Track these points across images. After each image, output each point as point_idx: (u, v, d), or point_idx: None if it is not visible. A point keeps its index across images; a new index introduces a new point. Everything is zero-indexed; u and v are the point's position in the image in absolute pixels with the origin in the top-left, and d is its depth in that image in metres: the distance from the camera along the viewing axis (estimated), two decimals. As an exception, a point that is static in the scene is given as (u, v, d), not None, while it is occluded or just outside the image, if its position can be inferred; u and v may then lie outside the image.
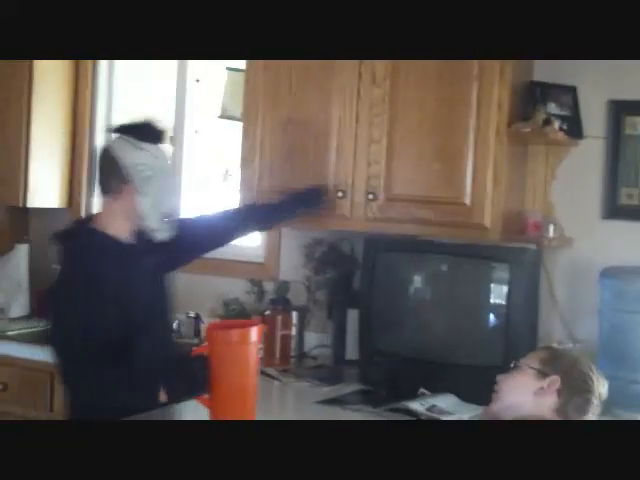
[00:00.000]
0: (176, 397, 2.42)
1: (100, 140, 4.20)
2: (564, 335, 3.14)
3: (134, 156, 2.44)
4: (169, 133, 2.67)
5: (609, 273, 2.98)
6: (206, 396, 2.34)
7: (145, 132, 2.49)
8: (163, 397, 2.35)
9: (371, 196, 3.14)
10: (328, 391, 2.99)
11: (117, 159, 2.44)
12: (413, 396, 2.83)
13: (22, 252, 4.15)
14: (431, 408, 2.71)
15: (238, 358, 2.34)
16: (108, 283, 2.39)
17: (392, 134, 3.13)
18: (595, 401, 2.15)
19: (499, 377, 2.23)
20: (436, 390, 2.87)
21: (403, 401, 2.75)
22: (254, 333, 2.37)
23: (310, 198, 3.17)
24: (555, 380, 2.13)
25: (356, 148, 3.19)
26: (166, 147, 2.63)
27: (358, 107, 3.17)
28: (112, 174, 2.45)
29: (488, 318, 3.01)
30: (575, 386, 2.14)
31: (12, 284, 4.09)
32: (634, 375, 2.87)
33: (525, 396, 2.13)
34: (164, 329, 2.71)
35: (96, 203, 3.47)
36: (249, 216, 3.11)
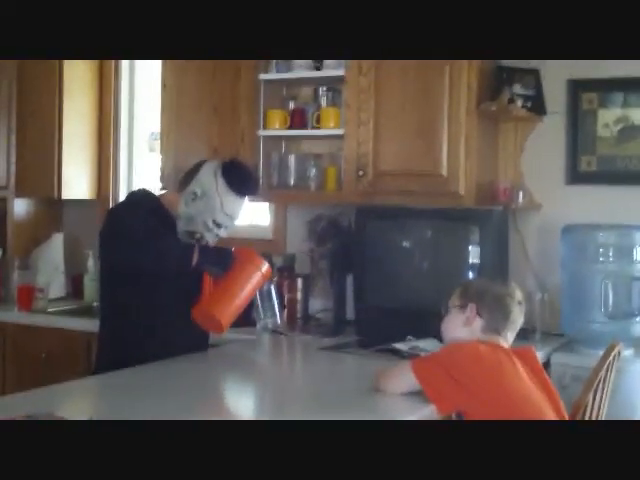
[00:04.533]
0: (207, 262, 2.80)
1: (124, 139, 4.69)
2: (535, 285, 3.56)
3: (210, 184, 2.88)
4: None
5: (568, 230, 3.40)
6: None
7: (239, 187, 2.90)
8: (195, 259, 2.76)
9: (361, 172, 3.59)
10: (328, 341, 3.43)
11: (199, 174, 2.91)
12: (400, 341, 3.24)
13: (58, 240, 4.61)
14: (413, 348, 3.12)
15: (246, 274, 2.84)
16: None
17: (378, 117, 3.57)
18: (514, 305, 2.54)
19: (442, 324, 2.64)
20: (421, 337, 3.27)
21: (390, 343, 3.17)
22: (266, 267, 2.86)
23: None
24: (472, 306, 2.54)
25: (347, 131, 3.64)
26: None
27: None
28: (189, 177, 2.93)
29: (464, 273, 3.41)
30: (490, 304, 2.53)
31: (50, 269, 4.55)
32: (590, 316, 3.28)
33: (458, 329, 2.57)
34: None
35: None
36: None
